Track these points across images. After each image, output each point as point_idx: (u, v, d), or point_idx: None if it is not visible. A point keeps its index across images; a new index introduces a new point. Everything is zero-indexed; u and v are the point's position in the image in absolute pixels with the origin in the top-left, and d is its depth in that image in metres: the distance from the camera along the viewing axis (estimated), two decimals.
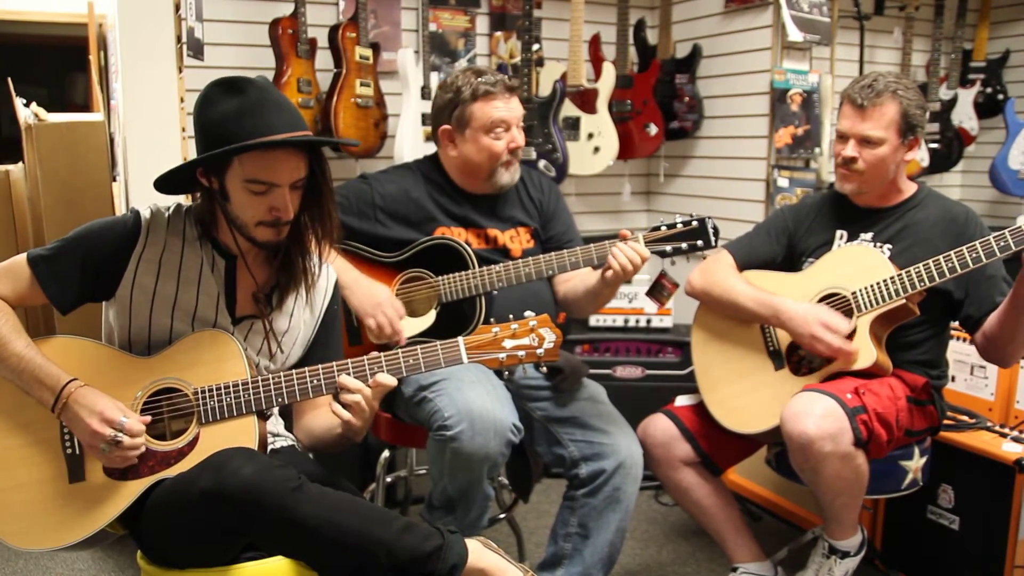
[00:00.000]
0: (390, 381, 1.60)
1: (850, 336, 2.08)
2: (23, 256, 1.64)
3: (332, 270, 1.85)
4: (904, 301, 2.05)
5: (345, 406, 1.59)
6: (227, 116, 1.56)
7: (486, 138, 2.19)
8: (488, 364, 1.64)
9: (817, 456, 1.95)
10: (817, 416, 1.94)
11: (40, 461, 1.59)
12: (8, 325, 1.59)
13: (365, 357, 1.63)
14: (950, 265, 1.97)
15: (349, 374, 1.61)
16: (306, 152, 1.62)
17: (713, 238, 2.03)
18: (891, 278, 2.04)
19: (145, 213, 1.68)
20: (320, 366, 1.63)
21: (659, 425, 2.28)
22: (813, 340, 2.07)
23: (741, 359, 2.25)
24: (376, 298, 2.09)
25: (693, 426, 2.27)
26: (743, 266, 2.30)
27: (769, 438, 2.22)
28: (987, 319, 2.06)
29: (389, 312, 2.09)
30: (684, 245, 2.03)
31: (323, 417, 1.75)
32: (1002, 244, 1.92)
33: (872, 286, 2.07)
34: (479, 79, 2.19)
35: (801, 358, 2.19)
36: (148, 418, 1.58)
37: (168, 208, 1.71)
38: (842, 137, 2.17)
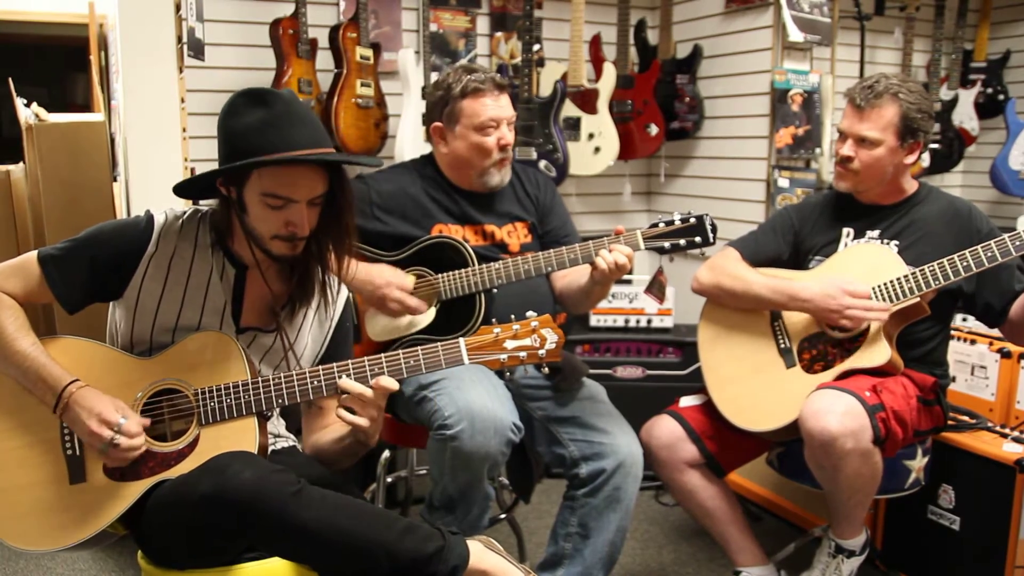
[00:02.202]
0: (391, 384, 1.59)
1: (864, 333, 2.09)
2: (33, 254, 1.64)
3: (344, 287, 1.84)
4: (918, 299, 2.05)
5: (348, 410, 1.59)
6: (250, 128, 1.56)
7: (475, 135, 2.20)
8: (489, 365, 1.64)
9: (839, 453, 1.95)
10: (839, 413, 1.95)
11: (41, 462, 1.59)
12: (16, 323, 1.60)
13: (365, 358, 1.63)
14: (965, 264, 1.99)
15: (350, 375, 1.61)
16: (327, 169, 1.61)
17: (712, 235, 2.03)
18: (905, 276, 2.05)
19: (159, 217, 1.68)
20: (320, 367, 1.63)
21: (664, 427, 2.28)
22: (845, 310, 2.05)
23: (751, 357, 2.25)
24: (378, 290, 2.09)
25: (699, 427, 2.26)
26: (750, 263, 2.30)
27: (780, 436, 2.21)
28: (1013, 307, 2.08)
29: (395, 294, 2.09)
30: (682, 242, 2.03)
31: (332, 431, 1.75)
32: (1017, 243, 1.95)
33: (886, 284, 2.07)
34: (469, 76, 2.20)
35: (813, 356, 2.18)
36: (148, 420, 1.58)
37: (183, 212, 1.71)
38: (842, 136, 2.18)
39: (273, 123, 1.55)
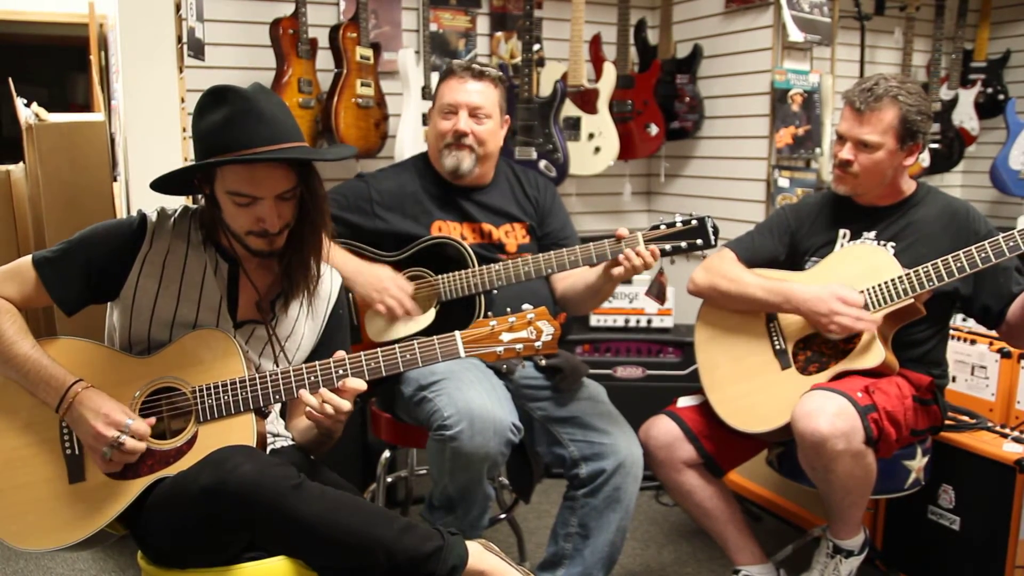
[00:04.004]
0: (358, 385, 1.60)
1: (858, 335, 2.08)
2: (28, 258, 1.65)
3: (336, 274, 1.85)
4: (913, 300, 2.05)
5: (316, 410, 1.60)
6: (213, 127, 1.58)
7: (437, 116, 2.25)
8: (486, 358, 1.64)
9: (830, 455, 1.95)
10: (830, 415, 1.94)
11: (40, 462, 1.59)
12: (15, 327, 1.60)
13: (362, 354, 1.63)
14: (959, 265, 1.98)
15: (317, 377, 1.61)
16: (292, 164, 1.61)
17: (713, 237, 2.03)
18: (899, 277, 2.05)
19: (151, 216, 1.69)
20: (318, 363, 1.63)
21: (662, 427, 2.28)
22: (834, 316, 2.05)
23: (747, 358, 2.25)
24: (380, 282, 2.10)
25: (696, 427, 2.26)
26: (747, 264, 2.30)
27: (775, 438, 2.21)
28: (1011, 309, 2.07)
29: (396, 292, 2.10)
30: (684, 244, 2.03)
31: (303, 420, 1.76)
32: (1011, 244, 1.93)
33: (880, 285, 2.07)
34: (457, 60, 2.25)
35: (808, 358, 2.18)
36: (153, 420, 1.59)
37: (174, 211, 1.72)
38: (840, 139, 2.17)
39: (232, 122, 1.56)
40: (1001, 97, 3.82)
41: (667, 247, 2.04)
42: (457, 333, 1.63)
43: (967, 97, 3.80)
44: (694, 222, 2.02)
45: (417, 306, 2.12)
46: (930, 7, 3.62)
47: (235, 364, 1.63)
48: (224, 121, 1.56)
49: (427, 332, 2.15)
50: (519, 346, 1.63)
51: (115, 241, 1.65)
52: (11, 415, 1.61)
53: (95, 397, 1.56)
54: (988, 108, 3.83)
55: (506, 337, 1.63)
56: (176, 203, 1.76)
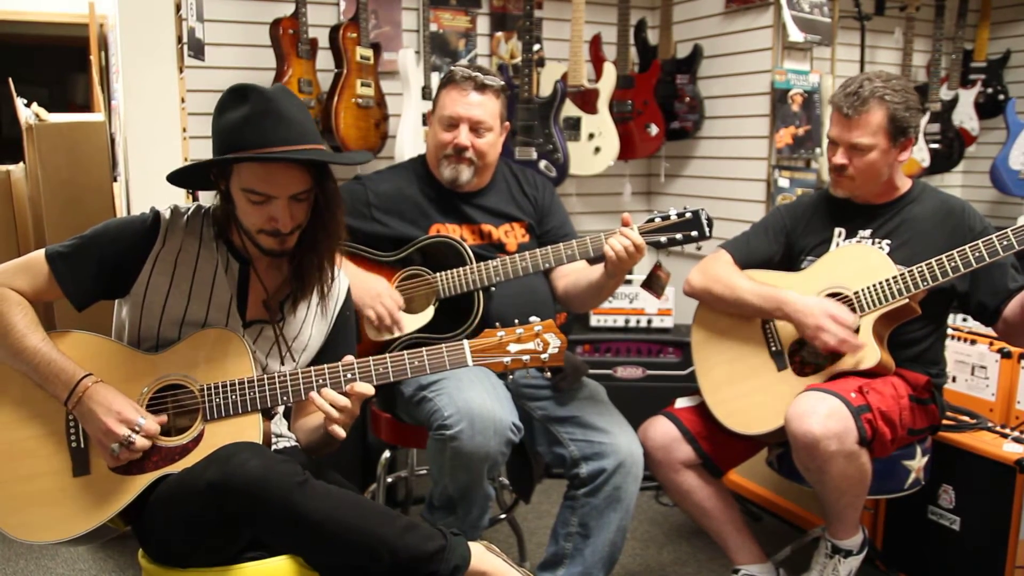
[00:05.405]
0: (367, 389, 1.61)
1: (855, 332, 2.08)
2: (40, 253, 1.66)
3: (345, 276, 1.85)
4: (907, 301, 2.05)
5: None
6: (232, 124, 1.59)
7: (437, 125, 2.24)
8: (493, 367, 1.66)
9: (823, 456, 1.95)
10: (822, 415, 1.94)
11: (45, 454, 1.60)
12: (26, 319, 1.61)
13: (371, 359, 1.64)
14: (953, 264, 1.97)
15: (325, 380, 1.62)
16: (308, 166, 1.62)
17: (707, 228, 2.04)
18: (894, 278, 2.04)
19: (165, 213, 1.70)
20: (326, 366, 1.64)
21: (660, 427, 2.28)
22: (819, 331, 2.05)
23: (743, 360, 2.25)
24: (375, 289, 2.11)
25: (694, 428, 2.26)
26: (742, 265, 2.30)
27: (772, 439, 2.22)
28: (1008, 306, 2.06)
29: (388, 303, 2.11)
30: (679, 235, 2.04)
31: (310, 420, 1.77)
32: (1005, 243, 1.93)
33: (875, 286, 2.07)
34: (459, 68, 2.23)
35: (804, 359, 2.18)
36: (164, 418, 1.59)
37: (187, 209, 1.73)
38: (833, 143, 2.17)
39: (252, 120, 1.57)
40: (1001, 97, 3.82)
41: (662, 239, 2.05)
42: (465, 342, 1.65)
43: (967, 97, 3.80)
44: (688, 215, 2.04)
45: (402, 323, 2.13)
46: (930, 7, 3.62)
47: (244, 364, 1.64)
48: (244, 119, 1.57)
49: (426, 330, 2.16)
50: (526, 357, 1.66)
51: (128, 238, 1.66)
52: (17, 407, 1.61)
53: (105, 392, 1.56)
54: (988, 108, 3.83)
55: (513, 348, 1.66)
56: (180, 202, 1.77)
